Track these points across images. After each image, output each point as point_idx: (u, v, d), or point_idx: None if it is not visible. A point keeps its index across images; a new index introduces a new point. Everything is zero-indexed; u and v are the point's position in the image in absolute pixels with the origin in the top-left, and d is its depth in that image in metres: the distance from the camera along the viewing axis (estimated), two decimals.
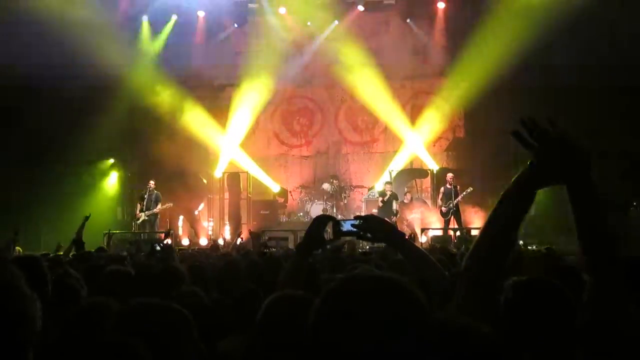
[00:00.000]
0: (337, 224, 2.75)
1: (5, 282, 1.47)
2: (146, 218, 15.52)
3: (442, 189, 15.74)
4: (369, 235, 2.71)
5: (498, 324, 1.89)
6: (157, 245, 8.04)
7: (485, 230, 1.97)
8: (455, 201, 15.29)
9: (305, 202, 17.69)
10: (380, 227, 2.73)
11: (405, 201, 16.48)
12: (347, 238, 5.06)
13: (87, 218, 8.70)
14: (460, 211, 15.56)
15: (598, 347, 1.85)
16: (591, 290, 1.87)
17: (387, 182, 16.30)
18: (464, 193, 15.31)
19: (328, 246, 4.11)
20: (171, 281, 3.75)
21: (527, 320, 2.14)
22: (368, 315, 1.31)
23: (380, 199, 15.83)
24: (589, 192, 1.85)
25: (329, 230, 2.85)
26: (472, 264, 1.97)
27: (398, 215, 15.61)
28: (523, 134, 1.87)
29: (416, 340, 1.32)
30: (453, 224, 15.35)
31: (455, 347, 1.50)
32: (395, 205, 15.69)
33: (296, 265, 2.87)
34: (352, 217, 2.74)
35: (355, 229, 2.68)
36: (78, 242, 7.95)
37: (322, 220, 2.87)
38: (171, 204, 15.80)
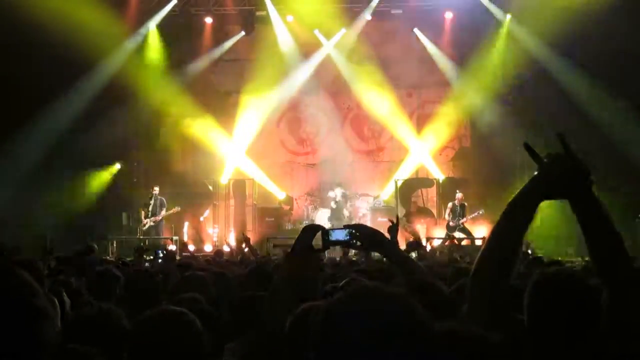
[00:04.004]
0: (326, 233, 2.74)
1: (27, 281, 1.50)
2: (152, 224, 15.56)
3: (450, 205, 15.70)
4: (358, 243, 2.71)
5: (509, 328, 1.94)
6: (160, 251, 8.04)
7: (490, 240, 2.02)
8: (464, 220, 15.28)
9: (311, 209, 17.69)
10: (370, 236, 2.73)
11: (414, 209, 16.50)
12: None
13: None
14: (469, 229, 15.50)
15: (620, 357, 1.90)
16: (607, 303, 1.94)
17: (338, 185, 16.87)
18: (474, 215, 15.30)
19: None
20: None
21: (551, 312, 2.17)
22: (371, 329, 1.30)
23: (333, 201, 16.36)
24: (592, 208, 1.91)
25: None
26: (479, 272, 2.01)
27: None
28: (532, 147, 1.95)
29: (421, 353, 1.31)
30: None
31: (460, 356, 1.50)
32: (346, 212, 16.39)
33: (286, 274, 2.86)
34: (342, 226, 2.73)
35: (344, 238, 2.68)
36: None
37: (311, 229, 2.86)
38: (179, 208, 15.84)
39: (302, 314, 2.32)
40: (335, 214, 16.99)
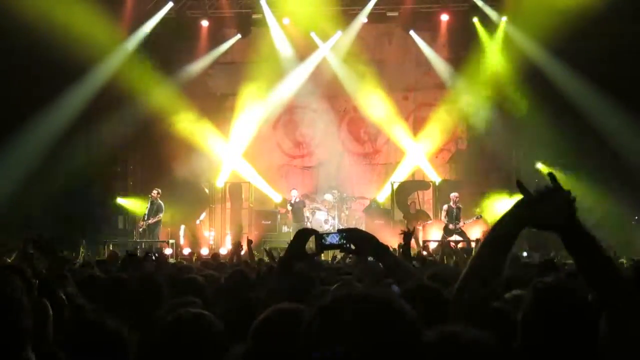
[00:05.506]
0: (319, 237, 2.74)
1: (12, 298, 1.51)
2: (146, 227, 15.58)
3: (445, 207, 15.64)
4: (352, 247, 2.70)
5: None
6: (152, 254, 8.03)
7: (475, 260, 2.07)
8: (461, 224, 15.26)
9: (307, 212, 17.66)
10: (364, 240, 2.72)
11: (411, 212, 16.47)
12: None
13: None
14: (465, 232, 15.47)
15: None
16: (607, 323, 1.96)
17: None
18: (472, 219, 15.28)
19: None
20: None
21: (546, 324, 2.15)
22: (359, 335, 1.30)
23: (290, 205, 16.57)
24: (582, 239, 1.94)
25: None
26: (463, 288, 2.05)
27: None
28: (525, 185, 2.01)
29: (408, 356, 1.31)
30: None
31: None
32: (307, 214, 16.55)
33: (280, 278, 2.85)
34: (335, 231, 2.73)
35: (338, 242, 2.67)
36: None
37: (305, 233, 2.85)
38: (161, 215, 15.74)
39: (266, 317, 2.31)
40: (332, 216, 16.94)
